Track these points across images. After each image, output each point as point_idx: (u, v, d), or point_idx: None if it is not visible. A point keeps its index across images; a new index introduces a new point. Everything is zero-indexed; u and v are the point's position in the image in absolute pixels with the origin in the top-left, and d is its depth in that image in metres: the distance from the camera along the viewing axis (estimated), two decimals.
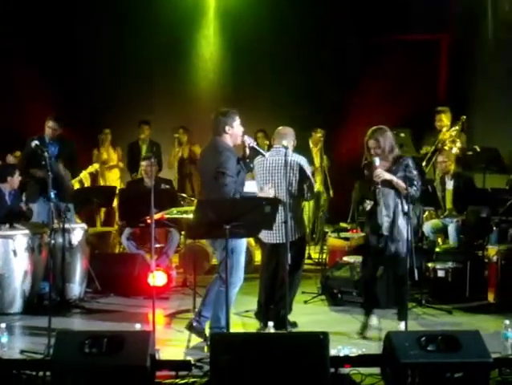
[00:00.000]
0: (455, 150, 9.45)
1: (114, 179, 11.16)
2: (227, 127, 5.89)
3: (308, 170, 6.52)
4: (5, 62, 11.32)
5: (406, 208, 5.98)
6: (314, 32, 11.72)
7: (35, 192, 8.15)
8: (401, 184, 6.02)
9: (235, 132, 5.93)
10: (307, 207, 11.13)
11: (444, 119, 9.66)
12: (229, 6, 12.22)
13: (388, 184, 6.09)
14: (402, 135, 9.61)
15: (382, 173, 6.05)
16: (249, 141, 6.02)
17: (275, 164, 6.43)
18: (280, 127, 6.69)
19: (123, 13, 11.68)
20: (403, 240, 6.04)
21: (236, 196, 5.79)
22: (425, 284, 7.58)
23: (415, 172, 6.14)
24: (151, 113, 11.44)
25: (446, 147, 9.39)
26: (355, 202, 6.47)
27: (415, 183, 6.08)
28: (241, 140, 5.99)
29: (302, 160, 6.46)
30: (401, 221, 6.10)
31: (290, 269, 6.15)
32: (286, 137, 6.51)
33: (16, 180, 7.80)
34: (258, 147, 6.17)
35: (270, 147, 10.25)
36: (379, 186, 6.06)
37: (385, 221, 6.16)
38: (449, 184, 8.63)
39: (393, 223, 6.14)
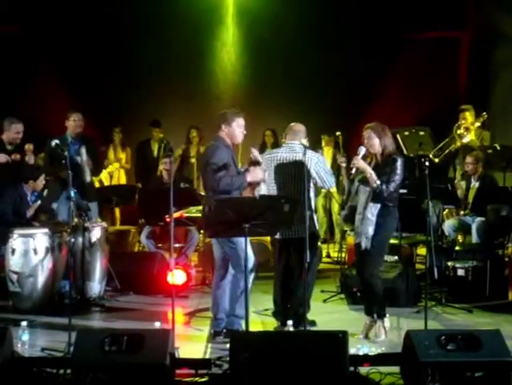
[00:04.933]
0: (467, 139, 9.44)
1: (122, 179, 11.14)
2: (223, 125, 6.10)
3: (321, 162, 6.46)
4: (19, 61, 11.41)
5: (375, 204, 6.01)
6: (333, 32, 11.68)
7: (56, 191, 8.19)
8: (374, 176, 5.97)
9: (231, 130, 6.09)
10: (325, 206, 11.14)
11: (469, 116, 9.62)
12: (247, 8, 12.21)
13: (362, 174, 6.05)
14: (421, 133, 9.60)
15: (358, 161, 6.03)
16: (255, 154, 6.13)
17: (288, 161, 6.41)
18: (293, 124, 6.62)
19: (140, 13, 11.70)
20: (368, 236, 6.02)
21: (233, 188, 5.86)
22: (445, 283, 7.54)
23: (398, 172, 6.02)
24: (166, 114, 11.44)
25: (459, 132, 9.39)
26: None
27: (391, 184, 5.99)
28: (239, 140, 6.14)
29: (314, 155, 6.42)
30: (369, 217, 6.04)
31: (300, 267, 6.18)
32: (299, 134, 6.50)
33: (39, 183, 7.85)
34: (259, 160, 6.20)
35: (276, 145, 10.32)
36: (353, 172, 6.05)
37: (356, 217, 6.16)
38: (475, 185, 8.58)
39: (363, 219, 6.08)
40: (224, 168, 5.93)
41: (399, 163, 6.04)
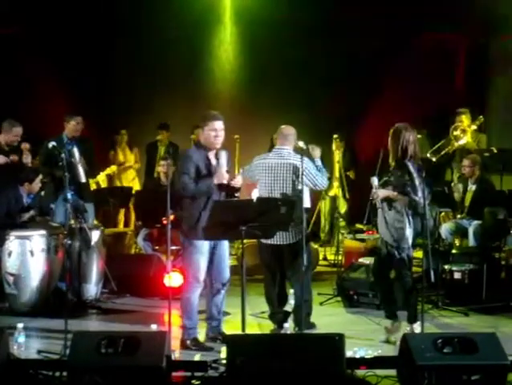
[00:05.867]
0: (463, 141, 9.46)
1: (129, 179, 11.18)
2: (199, 129, 6.04)
3: (310, 166, 6.44)
4: (20, 63, 11.38)
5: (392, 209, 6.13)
6: (332, 32, 11.67)
7: (53, 193, 8.20)
8: (400, 197, 6.09)
9: (205, 135, 5.96)
10: (323, 209, 11.14)
11: (465, 120, 9.64)
12: (245, 7, 12.20)
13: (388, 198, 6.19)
14: (419, 136, 9.57)
15: (377, 193, 6.17)
16: (236, 182, 5.96)
17: (278, 167, 6.39)
18: (283, 126, 6.60)
19: (141, 14, 11.70)
20: (389, 242, 6.19)
21: (200, 192, 5.80)
22: (442, 286, 7.54)
23: (415, 176, 6.11)
24: (168, 115, 11.44)
25: (455, 133, 9.42)
26: None
27: (418, 192, 6.08)
28: (214, 145, 5.93)
29: (303, 160, 6.39)
30: (387, 221, 6.18)
31: (297, 271, 6.19)
32: (289, 137, 6.48)
33: (35, 186, 7.82)
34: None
35: None
36: (380, 206, 6.19)
37: (378, 221, 6.31)
38: (471, 188, 8.58)
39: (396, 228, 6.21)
40: (188, 174, 5.83)
41: (409, 168, 6.12)
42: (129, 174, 11.20)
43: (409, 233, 6.17)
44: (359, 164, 11.05)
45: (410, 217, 6.13)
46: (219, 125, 5.94)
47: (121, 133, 11.09)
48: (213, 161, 5.97)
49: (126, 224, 10.70)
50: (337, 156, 10.68)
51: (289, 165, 6.34)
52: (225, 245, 6.13)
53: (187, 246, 5.99)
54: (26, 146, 8.28)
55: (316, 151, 6.67)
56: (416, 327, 6.18)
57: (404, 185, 6.08)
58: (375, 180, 6.19)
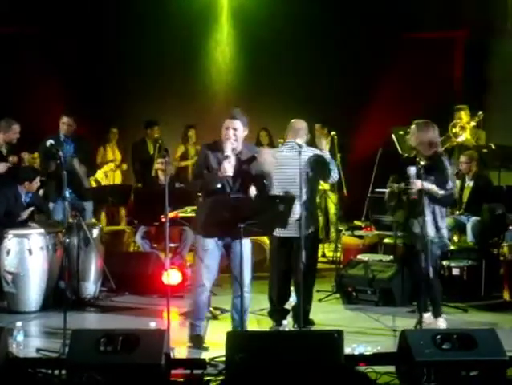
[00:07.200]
0: (462, 138, 9.46)
1: (117, 179, 11.11)
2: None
3: (321, 157, 6.43)
4: (17, 61, 11.40)
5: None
6: (329, 33, 11.68)
7: (53, 191, 8.20)
8: (435, 189, 6.13)
9: (222, 132, 5.93)
10: (321, 205, 11.11)
11: (464, 116, 9.64)
12: (241, 7, 12.20)
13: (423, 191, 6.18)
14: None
15: (416, 184, 6.13)
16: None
17: (289, 160, 6.37)
18: (293, 120, 6.61)
19: (136, 13, 11.68)
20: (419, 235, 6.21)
21: (208, 187, 5.77)
22: (440, 282, 7.54)
23: (448, 170, 6.26)
24: (162, 114, 11.42)
25: (454, 130, 9.43)
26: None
27: (450, 183, 6.25)
28: (224, 143, 5.83)
29: (315, 151, 6.43)
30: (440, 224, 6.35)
31: (305, 266, 6.16)
32: (300, 131, 6.49)
33: (34, 185, 7.82)
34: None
35: (271, 145, 10.29)
36: (415, 196, 6.14)
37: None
38: (469, 184, 8.60)
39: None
40: (199, 171, 5.87)
41: (444, 161, 6.27)
42: (117, 174, 11.10)
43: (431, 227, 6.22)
44: (354, 162, 10.95)
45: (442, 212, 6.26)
46: (231, 123, 5.86)
47: (112, 131, 11.03)
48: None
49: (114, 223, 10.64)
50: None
51: (301, 161, 6.27)
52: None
53: (197, 246, 5.97)
54: (25, 155, 8.34)
55: (323, 143, 6.65)
56: (442, 321, 6.34)
57: (444, 179, 6.19)
58: (412, 170, 6.13)
